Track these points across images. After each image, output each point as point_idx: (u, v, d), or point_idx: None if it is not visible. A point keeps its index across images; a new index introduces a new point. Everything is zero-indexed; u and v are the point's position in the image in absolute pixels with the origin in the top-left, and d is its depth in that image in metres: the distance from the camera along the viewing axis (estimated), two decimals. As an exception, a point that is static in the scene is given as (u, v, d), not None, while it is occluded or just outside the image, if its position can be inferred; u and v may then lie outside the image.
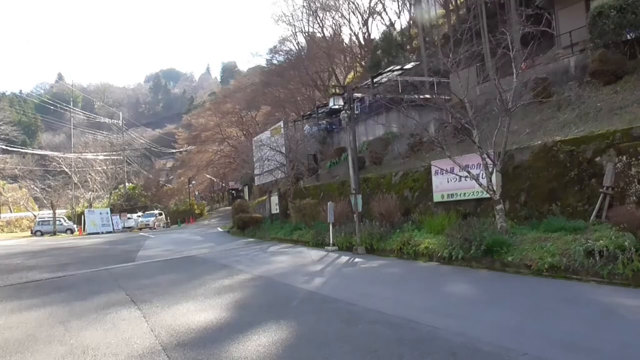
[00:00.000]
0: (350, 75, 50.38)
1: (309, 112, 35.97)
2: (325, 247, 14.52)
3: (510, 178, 12.10)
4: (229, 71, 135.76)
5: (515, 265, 8.90)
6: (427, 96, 17.29)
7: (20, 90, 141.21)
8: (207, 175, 64.68)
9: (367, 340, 5.33)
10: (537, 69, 17.06)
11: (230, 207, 61.67)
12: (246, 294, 8.58)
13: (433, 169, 14.51)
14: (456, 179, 13.63)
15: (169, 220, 47.35)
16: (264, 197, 31.90)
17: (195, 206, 56.34)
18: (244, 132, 58.15)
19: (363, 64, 45.71)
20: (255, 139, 34.40)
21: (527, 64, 16.58)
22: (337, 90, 27.94)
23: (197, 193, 59.24)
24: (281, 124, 29.18)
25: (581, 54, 16.47)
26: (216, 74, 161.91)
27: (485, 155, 10.83)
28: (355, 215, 14.69)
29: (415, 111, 24.12)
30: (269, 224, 22.73)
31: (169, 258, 15.18)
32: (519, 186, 12.13)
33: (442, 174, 14.19)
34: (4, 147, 53.80)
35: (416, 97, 15.86)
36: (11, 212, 65.85)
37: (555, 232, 9.59)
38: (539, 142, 12.28)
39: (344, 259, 12.51)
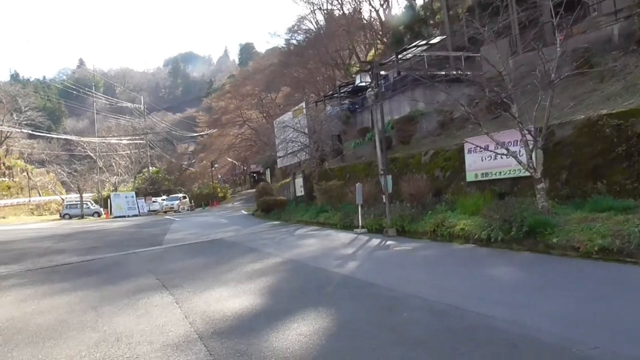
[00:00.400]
0: (371, 53, 49.45)
1: (330, 92, 35.36)
2: (354, 230, 14.18)
3: (551, 155, 11.49)
4: (246, 53, 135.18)
5: (561, 247, 8.40)
6: (459, 72, 16.55)
7: (44, 76, 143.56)
8: (229, 159, 64.81)
9: (414, 329, 4.98)
10: (576, 39, 16.18)
11: (252, 190, 61.86)
12: (278, 278, 8.30)
13: (466, 147, 13.97)
14: (491, 157, 13.11)
15: (193, 204, 47.60)
16: (287, 180, 31.68)
17: (219, 189, 56.58)
18: (264, 115, 57.89)
19: (385, 40, 44.69)
20: (276, 120, 34.04)
21: (566, 33, 15.73)
22: (363, 67, 27.24)
23: (219, 176, 59.41)
24: (303, 104, 28.73)
25: (626, 20, 15.55)
26: (234, 56, 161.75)
27: (526, 131, 10.26)
28: (384, 197, 14.30)
29: (443, 88, 23.51)
30: (294, 207, 22.48)
31: (196, 241, 15.04)
32: (560, 163, 11.54)
33: (476, 152, 13.65)
34: (31, 132, 54.55)
35: (451, 72, 15.15)
36: (40, 195, 67.23)
37: (602, 212, 9.05)
38: (582, 116, 11.63)
39: (375, 241, 12.15)
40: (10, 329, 5.97)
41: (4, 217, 53.65)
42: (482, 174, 13.56)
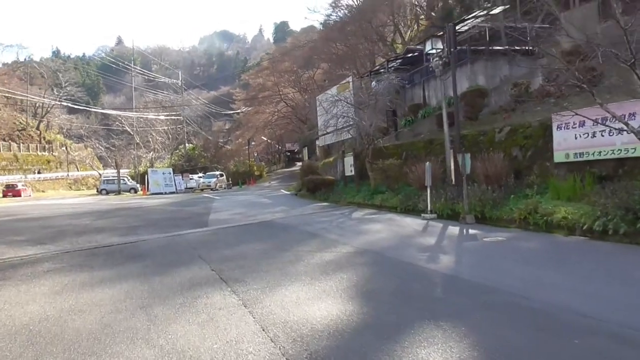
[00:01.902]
0: (414, 29, 46.97)
1: (376, 67, 33.38)
2: (422, 215, 12.56)
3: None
4: (281, 31, 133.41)
5: None
6: (530, 44, 14.56)
7: (83, 53, 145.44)
8: (263, 138, 63.71)
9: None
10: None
11: (287, 170, 60.83)
12: (361, 274, 6.81)
13: (555, 123, 12.07)
14: (587, 135, 11.22)
15: (230, 182, 46.68)
16: (330, 159, 30.15)
17: (255, 168, 55.60)
18: (301, 92, 56.29)
19: (433, 14, 42.14)
20: (319, 97, 32.40)
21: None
22: (415, 39, 25.22)
23: (255, 154, 58.38)
24: (350, 79, 27.08)
25: None
26: (269, 35, 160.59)
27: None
28: (453, 178, 12.73)
29: (505, 60, 21.38)
30: (342, 187, 20.97)
31: (244, 223, 13.72)
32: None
33: (568, 128, 11.75)
34: (71, 104, 54.60)
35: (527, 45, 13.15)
36: (78, 170, 67.90)
37: None
38: None
39: (453, 229, 10.53)
40: (44, 334, 4.70)
41: (43, 191, 54.25)
42: (576, 154, 11.65)
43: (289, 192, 28.55)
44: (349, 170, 20.51)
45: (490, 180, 12.58)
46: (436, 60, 14.31)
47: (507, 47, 20.89)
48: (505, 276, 6.25)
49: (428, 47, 13.81)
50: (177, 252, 9.28)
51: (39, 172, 63.38)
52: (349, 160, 20.59)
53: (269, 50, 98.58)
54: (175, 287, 6.48)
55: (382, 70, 31.78)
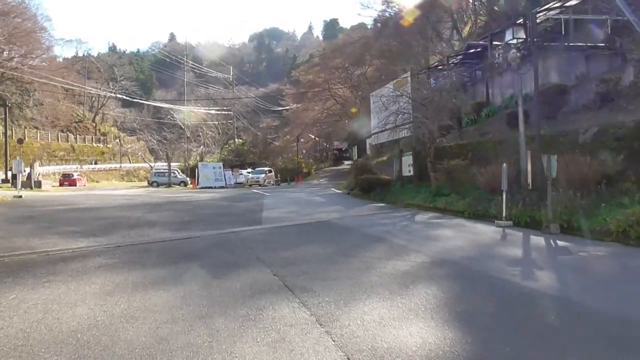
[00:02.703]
0: (472, 25, 45.06)
1: (435, 63, 32.04)
2: (496, 222, 11.40)
3: None
4: (331, 29, 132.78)
5: None
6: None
7: (138, 49, 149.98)
8: (311, 135, 63.19)
9: None
10: None
11: (335, 168, 60.04)
12: (447, 290, 5.85)
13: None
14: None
15: (279, 178, 46.31)
16: (384, 157, 29.11)
17: (303, 165, 55.12)
18: (352, 90, 55.32)
19: (496, 8, 40.20)
20: (373, 93, 31.42)
21: None
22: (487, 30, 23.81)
23: (304, 151, 57.91)
24: (408, 75, 25.87)
25: None
26: (318, 32, 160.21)
27: None
28: (529, 182, 11.54)
29: (581, 55, 19.70)
30: (399, 187, 19.91)
31: (300, 223, 12.96)
32: None
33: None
34: (125, 97, 55.93)
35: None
36: (130, 162, 69.67)
37: None
38: None
39: (538, 239, 9.37)
40: (93, 347, 4.05)
41: (97, 181, 55.82)
42: (681, 159, 10.22)
43: (340, 191, 27.69)
44: (407, 170, 19.44)
45: (574, 185, 11.28)
46: (513, 53, 13.05)
47: (586, 42, 19.26)
48: (628, 302, 5.15)
49: (508, 36, 12.57)
50: (233, 252, 8.60)
51: (95, 163, 65.42)
52: (408, 159, 19.52)
53: (318, 48, 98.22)
54: (236, 294, 5.74)
55: (440, 66, 30.48)
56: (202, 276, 6.66)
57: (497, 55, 26.33)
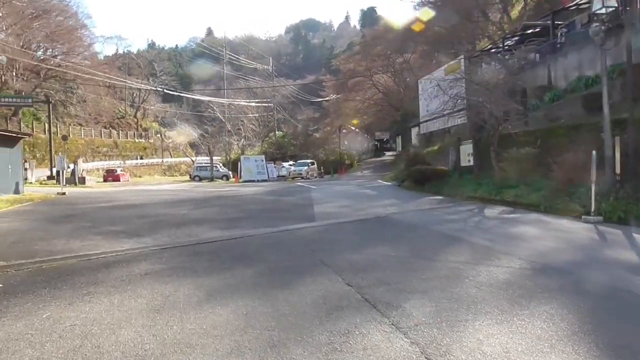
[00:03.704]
0: (519, 7, 42.52)
1: (488, 46, 30.15)
2: (583, 217, 9.98)
3: None
4: (369, 18, 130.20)
5: None
6: None
7: (176, 45, 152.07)
8: (351, 127, 61.87)
9: None
10: None
11: (377, 159, 58.57)
12: (571, 307, 4.62)
13: None
14: None
15: (322, 170, 45.29)
16: (435, 147, 27.64)
17: (345, 156, 53.90)
18: (394, 78, 53.63)
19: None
20: (422, 79, 29.97)
21: None
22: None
23: (346, 143, 56.68)
24: (461, 59, 24.34)
25: None
26: (355, 22, 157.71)
27: None
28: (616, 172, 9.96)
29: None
30: (456, 179, 18.50)
31: (357, 219, 11.85)
32: None
33: None
34: (166, 90, 56.27)
35: None
36: (171, 157, 70.34)
37: None
38: None
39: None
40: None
41: (139, 176, 56.44)
42: None
43: (387, 183, 26.42)
44: (466, 160, 17.99)
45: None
46: (596, 26, 11.47)
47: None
48: None
49: (597, 5, 10.99)
50: (292, 254, 7.59)
51: (141, 158, 66.34)
52: (467, 148, 18.05)
53: (355, 38, 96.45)
54: (309, 311, 4.71)
55: (494, 49, 28.64)
56: (263, 286, 5.66)
57: (559, 35, 24.51)
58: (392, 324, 4.29)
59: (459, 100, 18.19)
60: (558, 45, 23.02)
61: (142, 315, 4.66)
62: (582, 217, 10.03)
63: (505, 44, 26.76)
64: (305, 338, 3.99)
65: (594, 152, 10.08)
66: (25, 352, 3.81)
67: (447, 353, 3.62)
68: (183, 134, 66.51)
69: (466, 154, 18.08)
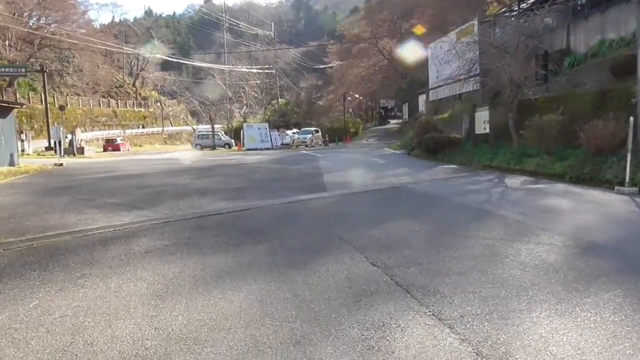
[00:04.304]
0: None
1: (503, 9, 28.83)
2: (617, 188, 9.28)
3: None
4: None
5: None
6: None
7: (174, 12, 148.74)
8: (356, 95, 60.59)
9: None
10: None
11: (381, 127, 57.56)
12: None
13: None
14: None
15: (326, 138, 44.40)
16: (444, 115, 26.74)
17: (350, 124, 52.86)
18: (401, 44, 52.03)
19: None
20: (432, 44, 28.76)
21: None
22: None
23: (350, 110, 55.55)
24: (474, 22, 23.13)
25: None
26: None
27: None
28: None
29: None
30: (470, 147, 17.72)
31: (371, 189, 11.18)
32: None
33: None
34: (164, 57, 54.98)
35: None
36: (172, 125, 69.42)
37: None
38: None
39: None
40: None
41: (140, 146, 55.74)
42: None
43: (396, 151, 25.65)
44: (482, 128, 17.14)
45: None
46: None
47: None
48: None
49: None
50: (306, 229, 6.95)
51: (143, 127, 65.43)
52: (482, 115, 17.17)
53: (359, 4, 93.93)
54: (333, 296, 4.10)
55: (507, 13, 27.35)
56: (278, 265, 5.03)
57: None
58: (433, 314, 3.67)
59: (474, 65, 17.22)
60: (578, 8, 21.90)
61: (142, 302, 4.05)
62: (615, 188, 9.34)
63: (521, 6, 25.48)
64: (334, 332, 3.37)
65: (631, 118, 9.30)
66: (6, 351, 3.22)
67: (508, 355, 3.00)
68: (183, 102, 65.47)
69: (481, 121, 17.22)
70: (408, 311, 3.74)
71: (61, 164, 19.94)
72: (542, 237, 5.98)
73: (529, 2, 25.84)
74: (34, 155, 31.25)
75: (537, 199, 9.09)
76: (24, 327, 3.62)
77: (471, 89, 21.87)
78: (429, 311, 3.72)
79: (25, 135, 34.71)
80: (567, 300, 3.89)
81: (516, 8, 26.44)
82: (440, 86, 26.05)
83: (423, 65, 42.32)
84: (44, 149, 35.10)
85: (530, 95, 14.96)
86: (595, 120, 11.88)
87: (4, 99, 33.33)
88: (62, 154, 23.60)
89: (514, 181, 11.54)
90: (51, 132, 29.38)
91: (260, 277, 4.65)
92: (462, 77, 18.85)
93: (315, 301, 3.99)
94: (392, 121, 58.44)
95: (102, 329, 3.51)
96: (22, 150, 30.52)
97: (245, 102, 56.42)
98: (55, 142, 23.16)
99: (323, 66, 66.43)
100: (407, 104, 43.37)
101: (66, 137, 33.14)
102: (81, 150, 33.93)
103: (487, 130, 16.72)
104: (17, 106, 25.62)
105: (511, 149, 14.86)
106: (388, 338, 3.27)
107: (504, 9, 28.49)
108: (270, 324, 3.54)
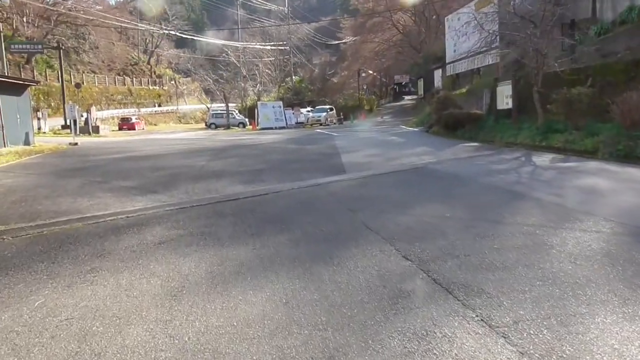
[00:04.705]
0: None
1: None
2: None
3: None
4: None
5: None
6: None
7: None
8: (370, 71, 59.41)
9: None
10: None
11: (396, 104, 56.61)
12: None
13: None
14: None
15: (341, 116, 43.69)
16: (462, 90, 25.94)
17: (365, 101, 51.95)
18: (415, 18, 50.74)
19: None
20: (450, 16, 27.81)
21: None
22: None
23: (365, 87, 54.56)
24: (494, -9, 22.17)
25: None
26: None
27: None
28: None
29: None
30: (491, 123, 17.07)
31: (392, 170, 10.68)
32: None
33: None
34: (178, 34, 54.32)
35: None
36: (186, 104, 69.11)
37: None
38: None
39: None
40: None
41: (155, 124, 55.57)
42: None
43: (413, 129, 25.03)
44: (504, 103, 16.43)
45: None
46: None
47: None
48: None
49: None
50: (328, 215, 6.52)
51: (159, 106, 65.15)
52: (504, 89, 16.43)
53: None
54: (366, 298, 3.68)
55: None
56: (301, 259, 4.63)
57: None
58: (482, 319, 3.23)
59: (496, 37, 16.44)
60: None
61: (155, 303, 3.68)
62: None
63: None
64: (372, 344, 2.96)
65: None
66: (5, 361, 2.88)
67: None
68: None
69: (503, 96, 16.50)
70: (453, 316, 3.31)
71: (76, 144, 19.74)
72: (587, 223, 5.49)
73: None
74: (50, 134, 31.15)
75: (571, 178, 8.56)
76: (27, 330, 3.28)
77: (490, 63, 21.13)
78: (477, 316, 3.29)
79: (42, 114, 34.55)
80: (634, 300, 3.44)
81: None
82: (458, 60, 25.24)
83: (438, 39, 41.21)
84: (60, 128, 34.99)
85: (556, 67, 14.21)
86: (630, 92, 11.22)
87: (21, 76, 33.16)
88: (78, 132, 23.44)
89: (543, 159, 10.98)
90: (66, 111, 29.10)
91: (283, 273, 4.25)
92: (483, 49, 18.05)
93: (346, 304, 3.57)
94: (406, 97, 57.41)
95: (111, 336, 3.15)
96: (39, 129, 30.43)
97: (259, 79, 55.65)
98: (74, 121, 22.90)
99: (337, 42, 65.19)
100: (422, 79, 42.39)
101: (81, 116, 32.96)
102: (96, 129, 33.78)
103: (510, 106, 16.03)
104: (33, 84, 25.39)
105: (536, 125, 14.23)
106: (435, 351, 2.85)
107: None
108: (298, 332, 3.14)
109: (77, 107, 24.82)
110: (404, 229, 5.55)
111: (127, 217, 6.54)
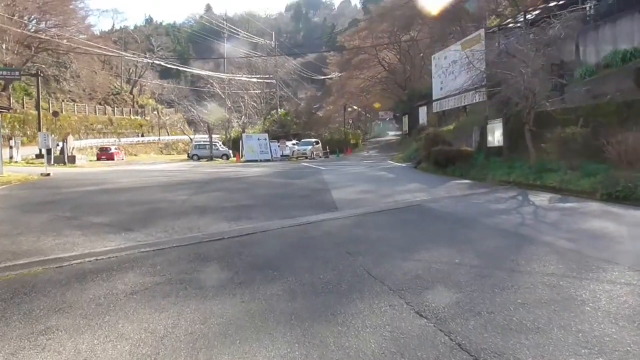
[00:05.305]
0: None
1: (507, 21, 28.07)
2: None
3: None
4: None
5: None
6: None
7: (174, 21, 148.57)
8: (354, 107, 59.86)
9: None
10: None
11: (381, 139, 56.81)
12: None
13: None
14: None
15: (328, 150, 43.39)
16: (449, 127, 25.85)
17: (351, 136, 51.94)
18: (400, 57, 51.50)
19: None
20: (436, 55, 28.02)
21: None
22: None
23: (350, 122, 54.75)
24: (481, 33, 22.54)
25: None
26: (356, 1, 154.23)
27: None
28: None
29: None
30: (481, 161, 16.75)
31: (387, 208, 10.11)
32: None
33: None
34: (163, 63, 54.08)
35: None
36: (168, 134, 68.44)
37: None
38: None
39: None
40: None
41: (135, 155, 54.58)
42: None
43: (400, 164, 24.69)
44: (495, 141, 16.16)
45: None
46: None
47: None
48: None
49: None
50: (325, 260, 5.83)
51: (142, 136, 64.25)
52: (495, 127, 16.19)
53: (357, 16, 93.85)
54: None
55: (512, 24, 26.63)
56: (301, 317, 3.94)
57: (588, 8, 22.56)
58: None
59: (484, 75, 16.37)
60: (587, 18, 21.25)
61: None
62: (664, 209, 8.34)
63: (527, 17, 24.75)
64: None
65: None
66: None
67: None
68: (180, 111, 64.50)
69: (494, 134, 16.27)
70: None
71: (48, 174, 18.77)
72: (612, 273, 4.94)
73: (533, 14, 25.27)
74: (22, 164, 30.02)
75: (577, 220, 8.08)
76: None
77: (476, 101, 21.14)
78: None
79: (15, 142, 33.43)
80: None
81: (521, 19, 25.76)
82: (445, 97, 25.23)
83: (422, 77, 41.68)
84: (34, 157, 33.84)
85: (547, 107, 14.04)
86: (625, 133, 10.99)
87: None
88: (52, 162, 22.45)
89: (541, 199, 10.53)
90: (39, 140, 28.08)
91: (279, 336, 3.56)
92: (475, 86, 17.95)
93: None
94: (390, 133, 57.82)
95: None
96: (10, 158, 29.29)
97: (244, 111, 55.41)
98: (48, 150, 21.75)
99: (322, 77, 65.75)
100: (407, 115, 42.63)
101: (57, 145, 31.94)
102: (72, 159, 32.70)
103: (501, 143, 15.77)
104: (4, 110, 24.39)
105: (528, 163, 13.93)
106: None
107: (508, 20, 27.87)
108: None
109: (53, 135, 23.89)
110: (412, 278, 4.92)
111: (96, 259, 5.79)
